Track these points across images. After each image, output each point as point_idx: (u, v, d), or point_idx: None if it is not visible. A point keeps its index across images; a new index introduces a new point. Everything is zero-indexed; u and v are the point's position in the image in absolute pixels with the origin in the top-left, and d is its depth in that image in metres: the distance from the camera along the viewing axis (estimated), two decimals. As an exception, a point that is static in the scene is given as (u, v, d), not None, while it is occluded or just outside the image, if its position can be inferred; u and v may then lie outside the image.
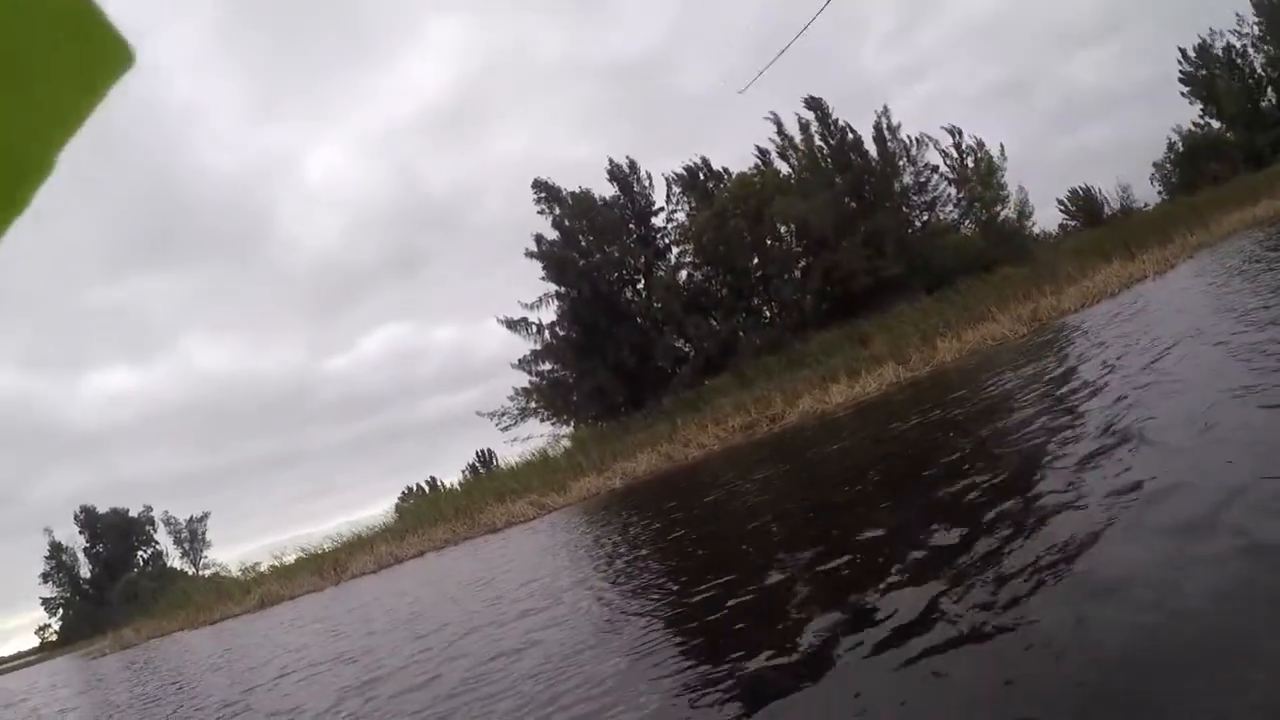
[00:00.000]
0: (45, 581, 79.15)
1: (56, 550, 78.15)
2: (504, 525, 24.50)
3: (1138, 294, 17.41)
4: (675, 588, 7.24)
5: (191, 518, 79.87)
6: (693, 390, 31.79)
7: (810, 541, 6.91)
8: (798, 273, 36.10)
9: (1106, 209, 47.82)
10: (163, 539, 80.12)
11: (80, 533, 77.70)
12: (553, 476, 27.62)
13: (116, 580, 69.47)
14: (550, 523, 20.56)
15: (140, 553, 78.46)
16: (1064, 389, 9.13)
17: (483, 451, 51.24)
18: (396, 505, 46.84)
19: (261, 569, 37.73)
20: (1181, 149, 49.89)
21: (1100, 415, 6.82)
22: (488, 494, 29.05)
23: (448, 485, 45.34)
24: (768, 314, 36.72)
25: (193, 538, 79.41)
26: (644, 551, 10.43)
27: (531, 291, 39.99)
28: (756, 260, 36.51)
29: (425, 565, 22.38)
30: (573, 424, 38.14)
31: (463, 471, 49.18)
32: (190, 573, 69.26)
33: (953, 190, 38.04)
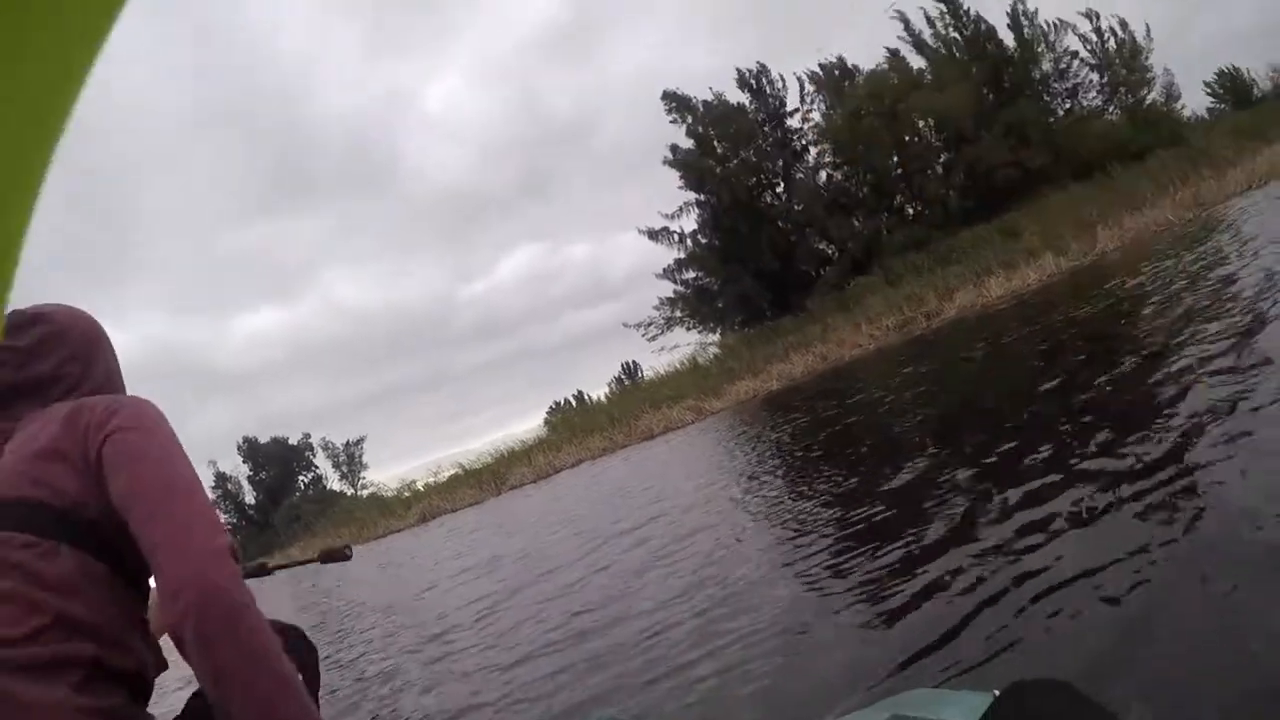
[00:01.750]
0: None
1: (222, 480, 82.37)
2: (661, 431, 25.45)
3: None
4: (832, 486, 7.32)
5: (348, 441, 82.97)
6: (839, 291, 32.22)
7: (979, 441, 6.80)
8: (939, 168, 35.77)
9: (1256, 91, 45.32)
10: (322, 463, 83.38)
11: (243, 462, 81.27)
12: (706, 382, 28.49)
13: (279, 505, 73.31)
14: (709, 426, 21.27)
15: (301, 477, 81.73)
16: (1242, 278, 8.51)
17: (628, 363, 52.63)
18: (545, 420, 48.41)
19: (417, 486, 38.94)
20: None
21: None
22: (643, 402, 30.07)
23: (594, 398, 46.82)
24: (910, 212, 36.57)
25: (350, 460, 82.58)
26: (805, 451, 10.58)
27: (668, 202, 40.51)
28: (896, 158, 36.30)
29: (584, 473, 23.08)
30: (719, 331, 39.00)
31: (609, 384, 50.48)
32: (350, 494, 72.02)
33: (1095, 76, 36.81)
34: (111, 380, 1.56)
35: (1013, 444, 6.04)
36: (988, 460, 5.91)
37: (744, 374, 26.32)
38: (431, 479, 37.82)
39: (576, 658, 4.94)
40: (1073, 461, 4.98)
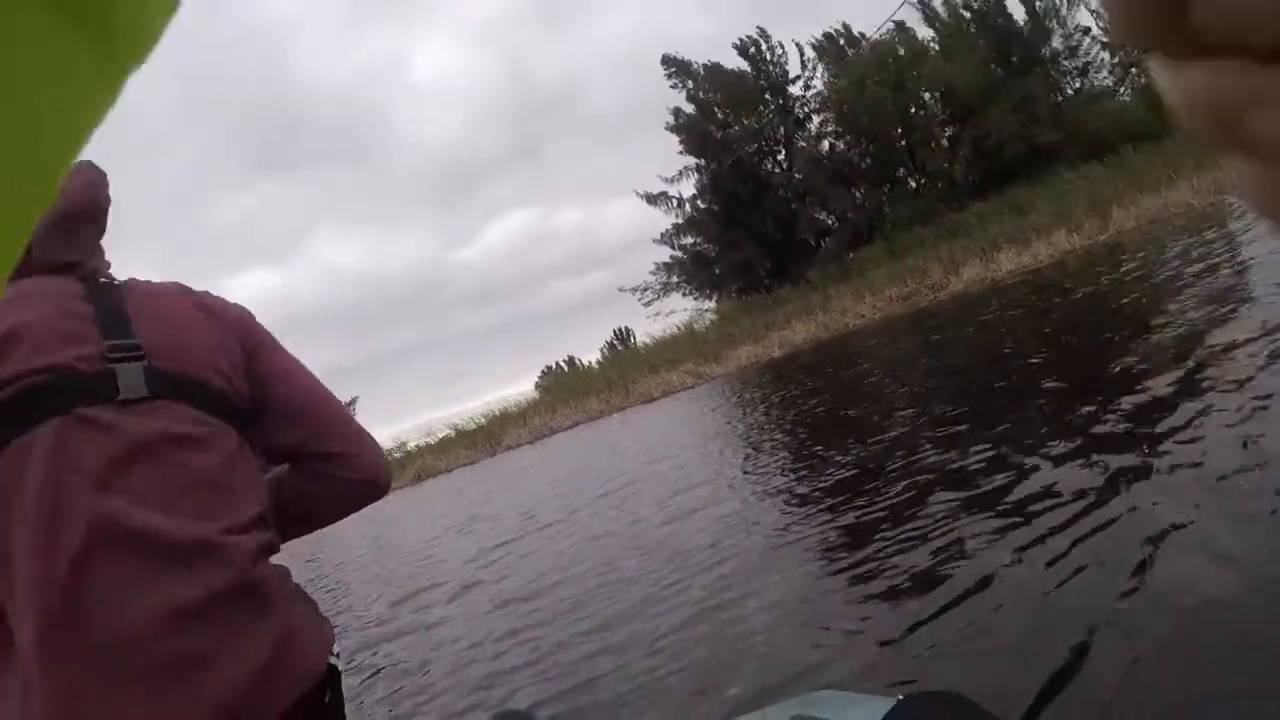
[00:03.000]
0: None
1: None
2: (660, 395, 25.26)
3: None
4: (827, 449, 7.42)
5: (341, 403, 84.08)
6: (840, 262, 31.95)
7: (971, 410, 6.88)
8: (945, 141, 35.34)
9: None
10: None
11: None
12: (704, 348, 28.28)
13: None
14: (709, 391, 21.07)
15: None
16: (1258, 262, 8.30)
17: (620, 329, 52.13)
18: (536, 384, 48.20)
19: (409, 447, 38.75)
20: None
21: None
22: (640, 366, 29.86)
23: (586, 363, 46.56)
24: (914, 185, 36.22)
25: None
26: (802, 418, 10.57)
27: (660, 169, 40.18)
28: (900, 130, 35.86)
29: (580, 435, 23.10)
30: (715, 298, 38.76)
31: (601, 349, 50.13)
32: None
33: (1106, 55, 36.37)
34: None
35: (1018, 416, 6.05)
36: (986, 431, 5.90)
37: (745, 340, 26.07)
38: (426, 439, 37.69)
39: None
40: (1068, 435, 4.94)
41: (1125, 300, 9.79)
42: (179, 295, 1.36)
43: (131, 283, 1.34)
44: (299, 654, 1.21)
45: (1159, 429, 4.43)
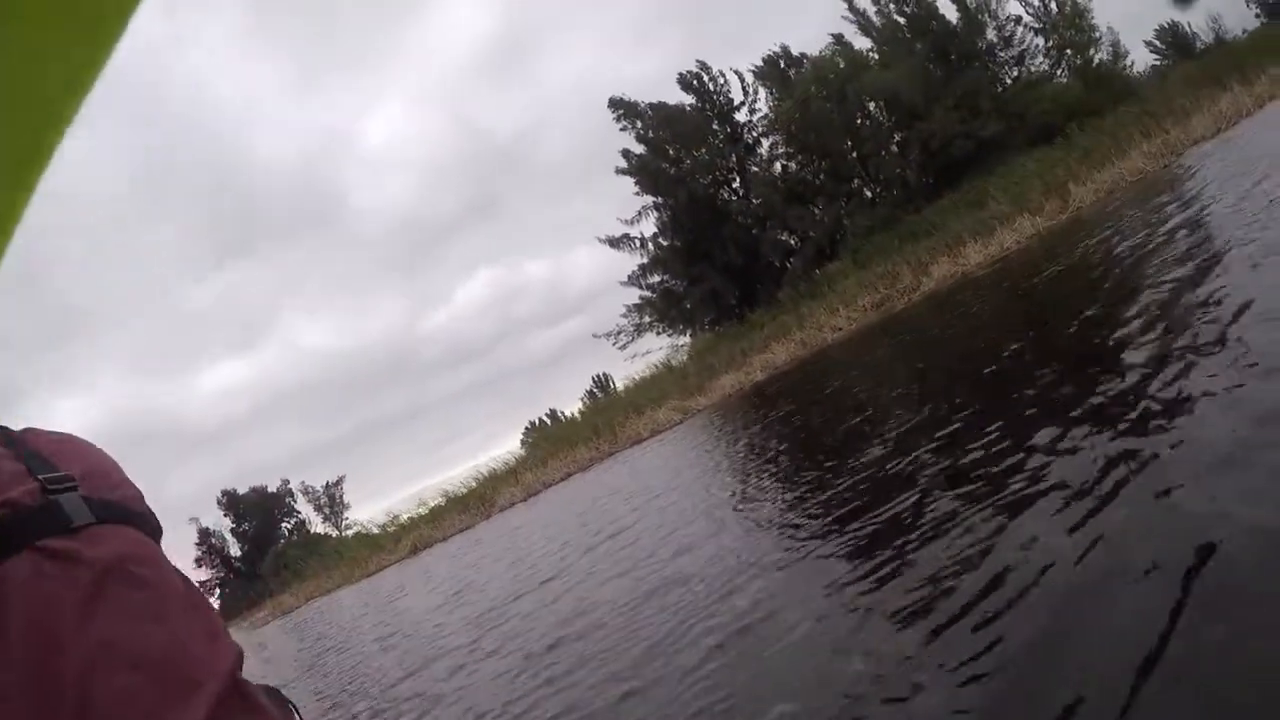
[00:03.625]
0: (199, 566, 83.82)
1: (205, 535, 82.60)
2: (649, 435, 24.98)
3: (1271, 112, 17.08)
4: (820, 466, 7.51)
5: (328, 483, 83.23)
6: (808, 280, 32.00)
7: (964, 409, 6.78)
8: (894, 147, 35.63)
9: (1199, 43, 45.80)
10: (303, 507, 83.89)
11: (224, 515, 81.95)
12: (685, 382, 28.07)
13: (265, 554, 72.89)
14: (696, 425, 20.88)
15: (284, 524, 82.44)
16: (1225, 213, 8.45)
17: (599, 376, 52.08)
18: (522, 441, 47.98)
19: (401, 520, 38.54)
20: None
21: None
22: (625, 409, 29.54)
23: (568, 414, 46.35)
24: (869, 194, 36.44)
25: (331, 502, 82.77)
26: (791, 436, 10.63)
27: (622, 210, 40.27)
28: (849, 142, 36.11)
29: (575, 486, 22.66)
30: (688, 332, 38.73)
31: (581, 399, 50.00)
32: (334, 535, 72.09)
33: (1040, 40, 36.90)
34: None
35: (1011, 404, 5.99)
36: (982, 425, 5.79)
37: (726, 369, 25.92)
38: (418, 510, 37.33)
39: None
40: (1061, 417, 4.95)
41: (1097, 273, 9.79)
42: (75, 437, 1.29)
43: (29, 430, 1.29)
44: None
45: (1152, 401, 4.47)
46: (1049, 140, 28.28)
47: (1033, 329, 8.66)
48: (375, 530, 41.06)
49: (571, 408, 48.17)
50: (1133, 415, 4.44)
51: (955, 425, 6.22)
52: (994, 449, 5.11)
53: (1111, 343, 6.09)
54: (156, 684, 1.00)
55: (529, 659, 5.80)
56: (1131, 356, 5.45)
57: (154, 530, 1.20)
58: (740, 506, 7.65)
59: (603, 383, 50.53)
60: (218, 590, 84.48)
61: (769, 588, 4.77)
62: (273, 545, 74.69)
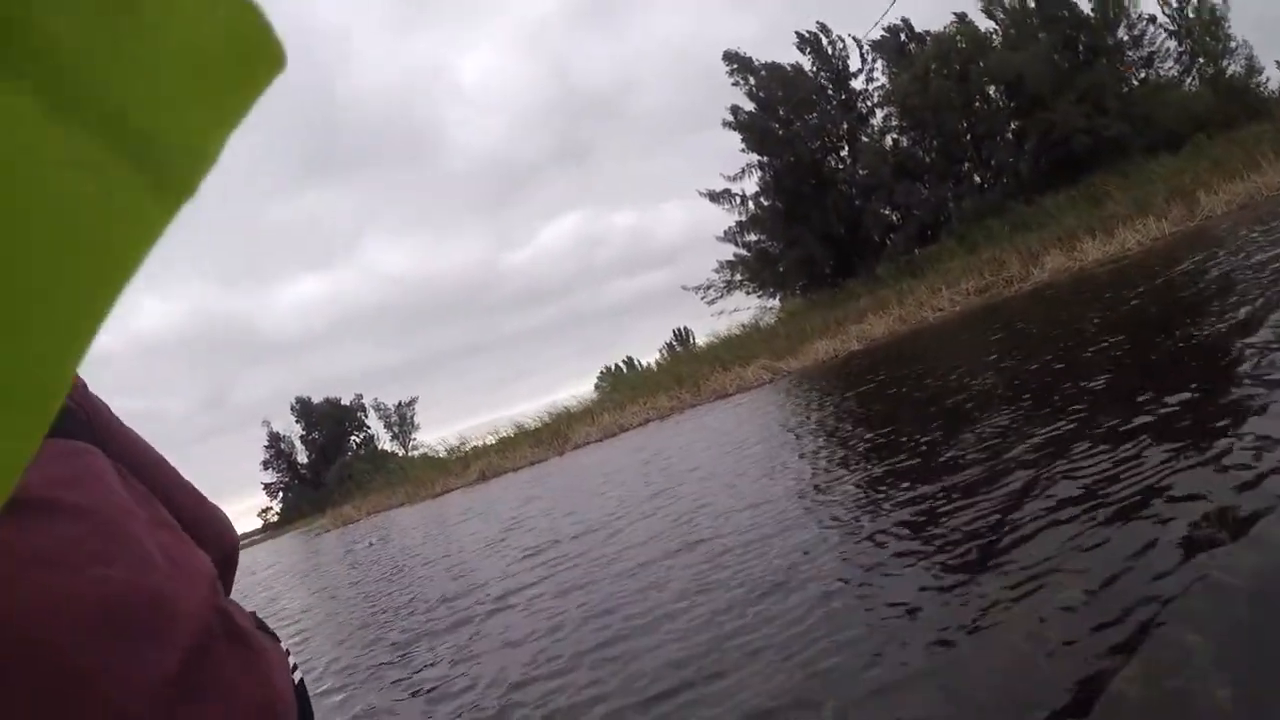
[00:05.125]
0: (265, 468, 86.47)
1: (275, 439, 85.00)
2: (735, 391, 25.13)
3: None
4: (912, 437, 7.69)
5: (400, 403, 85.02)
6: (909, 256, 31.97)
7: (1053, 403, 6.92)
8: (1010, 134, 35.23)
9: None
10: (373, 424, 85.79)
11: (296, 422, 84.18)
12: (774, 344, 28.24)
13: (331, 464, 74.52)
14: (786, 386, 20.95)
15: (353, 437, 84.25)
16: None
17: (679, 330, 52.59)
18: (596, 385, 48.54)
19: (468, 447, 38.89)
20: None
21: None
22: (710, 363, 29.73)
23: (645, 364, 46.74)
24: (978, 179, 36.12)
25: (402, 421, 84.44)
26: (888, 407, 10.64)
27: (722, 167, 40.22)
28: (965, 123, 35.77)
29: (653, 431, 22.77)
30: (779, 295, 38.89)
31: (660, 350, 50.41)
32: (401, 454, 73.08)
33: (1173, 43, 36.09)
34: None
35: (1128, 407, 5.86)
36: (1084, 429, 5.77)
37: (820, 335, 26.07)
38: (489, 439, 37.82)
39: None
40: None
41: (1234, 282, 9.47)
42: None
43: None
44: None
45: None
46: (1174, 147, 27.86)
47: (1152, 336, 8.39)
48: (441, 454, 41.44)
49: (649, 358, 48.64)
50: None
51: (1060, 424, 6.22)
52: (1096, 459, 5.10)
53: (1243, 359, 5.99)
54: (113, 635, 0.88)
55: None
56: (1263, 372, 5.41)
57: (99, 431, 1.07)
58: (827, 471, 7.82)
59: (683, 336, 50.93)
60: (280, 493, 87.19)
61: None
62: (340, 456, 76.29)
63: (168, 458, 1.23)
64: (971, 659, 3.27)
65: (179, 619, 0.92)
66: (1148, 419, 5.44)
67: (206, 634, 0.94)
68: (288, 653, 1.19)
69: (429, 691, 5.45)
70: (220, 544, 1.19)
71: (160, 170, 0.21)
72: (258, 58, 0.23)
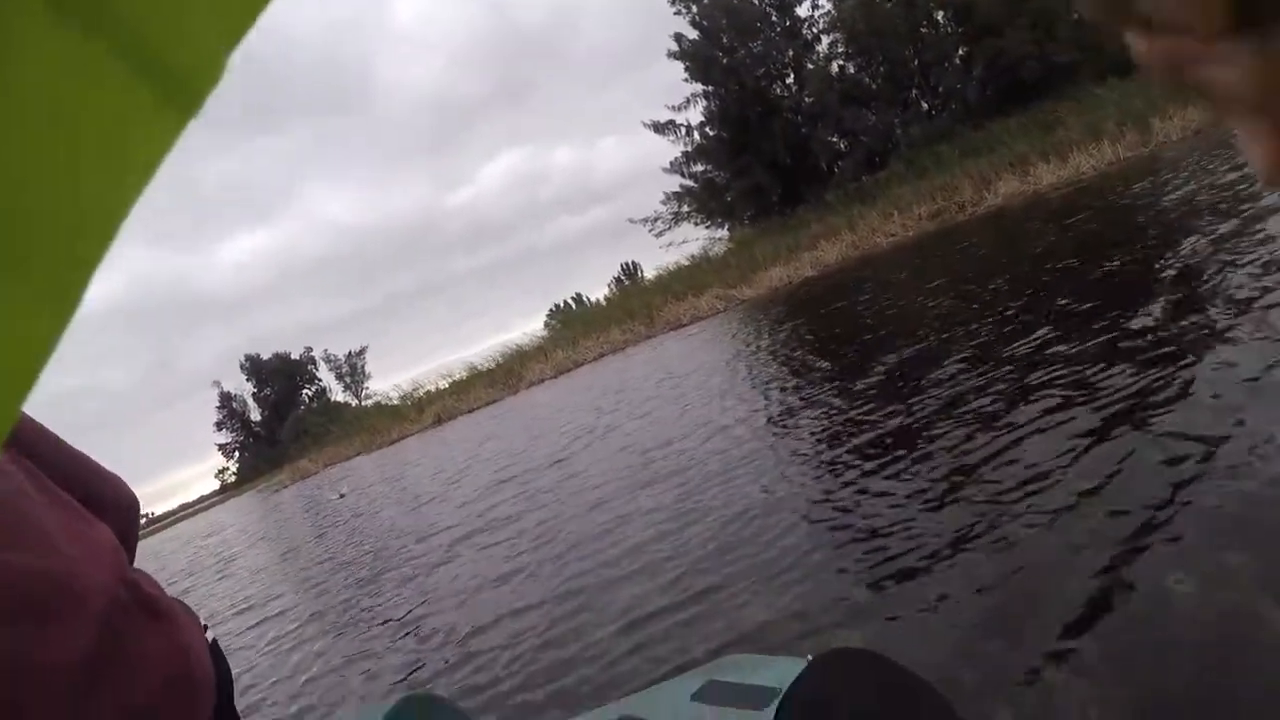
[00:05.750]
0: (219, 429, 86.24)
1: (226, 399, 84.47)
2: (689, 321, 25.03)
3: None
4: (874, 358, 7.69)
5: (350, 353, 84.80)
6: (856, 184, 31.77)
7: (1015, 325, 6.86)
8: (958, 60, 34.92)
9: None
10: (325, 376, 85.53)
11: (247, 380, 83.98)
12: (727, 272, 28.05)
13: (285, 420, 73.85)
14: (741, 314, 20.86)
15: (305, 391, 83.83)
16: None
17: (627, 264, 52.17)
18: (546, 322, 48.32)
19: (421, 393, 38.93)
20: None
21: None
22: (665, 294, 29.54)
23: (594, 299, 46.46)
24: (926, 105, 35.87)
25: (353, 371, 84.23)
26: (850, 331, 10.52)
27: (665, 100, 39.38)
28: (912, 49, 35.37)
29: (608, 365, 22.84)
30: (728, 226, 38.56)
31: (609, 284, 50.09)
32: (354, 404, 73.02)
33: (1127, -33, 35.78)
34: None
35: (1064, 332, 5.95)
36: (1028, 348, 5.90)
37: (773, 263, 25.88)
38: (442, 383, 37.56)
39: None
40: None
41: (1193, 206, 9.34)
42: None
43: None
44: None
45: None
46: (1125, 74, 27.71)
47: (1110, 257, 8.18)
48: (395, 401, 41.24)
49: (598, 293, 48.36)
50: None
51: (1017, 346, 6.19)
52: (1060, 369, 5.17)
53: (1201, 278, 5.96)
54: (17, 621, 0.84)
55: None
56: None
57: None
58: (785, 398, 7.71)
59: (630, 270, 50.55)
60: (236, 453, 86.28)
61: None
62: (293, 411, 75.76)
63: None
64: (951, 579, 3.20)
65: (86, 597, 0.89)
66: (1107, 338, 5.44)
67: (115, 609, 0.93)
68: (199, 618, 1.16)
69: (404, 635, 5.29)
70: (120, 513, 1.15)
71: (174, 87, 0.21)
72: None
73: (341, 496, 17.82)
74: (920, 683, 0.93)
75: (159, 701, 0.95)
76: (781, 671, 2.09)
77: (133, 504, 1.21)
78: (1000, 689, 2.38)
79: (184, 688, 0.99)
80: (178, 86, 0.22)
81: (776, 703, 1.87)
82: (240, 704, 4.87)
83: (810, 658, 1.95)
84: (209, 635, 1.15)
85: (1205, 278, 5.88)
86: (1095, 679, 2.25)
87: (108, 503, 1.12)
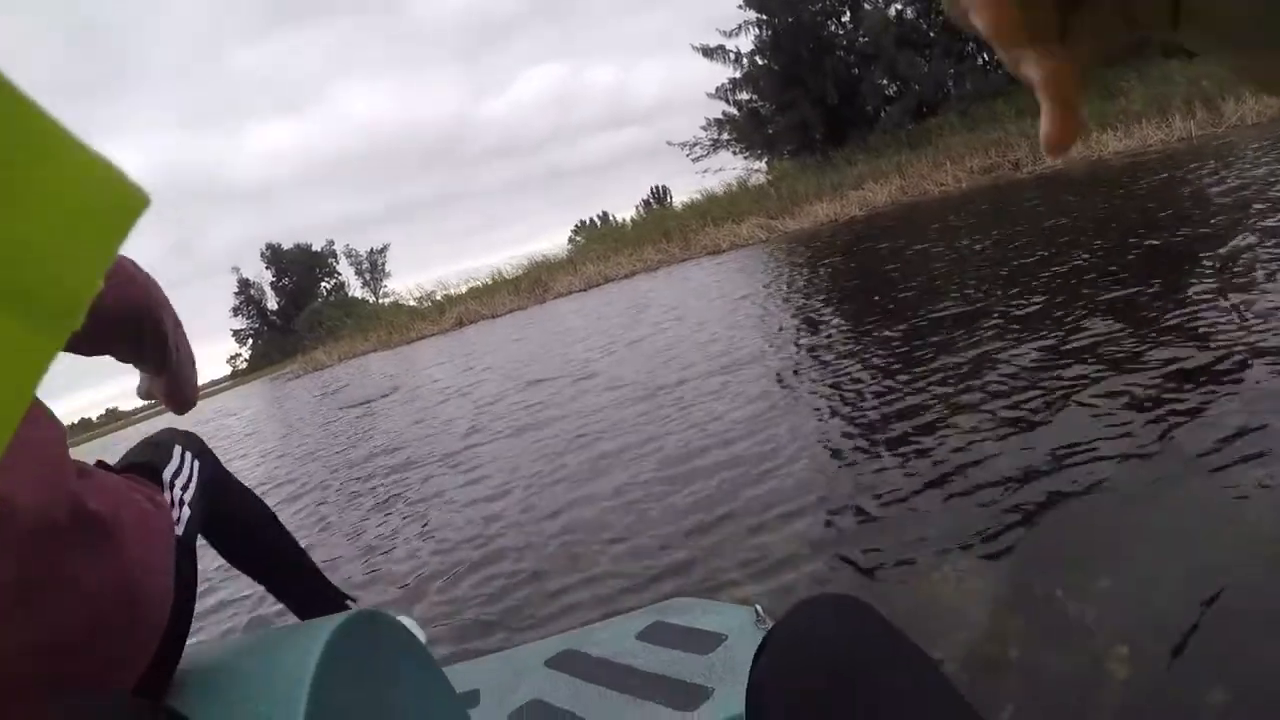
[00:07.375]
0: (235, 315, 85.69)
1: (244, 286, 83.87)
2: (728, 248, 25.06)
3: None
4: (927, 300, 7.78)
5: (372, 249, 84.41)
6: (903, 130, 31.58)
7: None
8: (1023, 16, 34.30)
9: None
10: (344, 270, 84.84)
11: (267, 268, 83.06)
12: (767, 203, 28.00)
13: (302, 310, 73.63)
14: (784, 245, 20.79)
15: (324, 284, 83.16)
16: None
17: (657, 187, 51.82)
18: (570, 238, 48.04)
19: (441, 294, 38.62)
20: None
21: None
22: (702, 218, 29.46)
23: (621, 220, 46.20)
24: (982, 60, 35.43)
25: (373, 268, 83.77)
26: (908, 271, 10.49)
27: (707, 25, 38.64)
28: (975, -2, 34.65)
29: (639, 283, 22.82)
30: (766, 159, 38.29)
31: (636, 207, 49.81)
32: (371, 301, 72.66)
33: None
34: None
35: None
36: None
37: (819, 198, 25.84)
38: (462, 287, 37.30)
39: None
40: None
41: (1266, 186, 9.11)
42: None
43: None
44: None
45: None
46: (1194, 55, 27.32)
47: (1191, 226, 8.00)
48: (412, 303, 40.88)
49: (625, 214, 48.02)
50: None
51: (1070, 305, 6.15)
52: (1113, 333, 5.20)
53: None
54: None
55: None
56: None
57: None
58: (822, 330, 7.73)
59: (660, 195, 50.30)
60: (250, 340, 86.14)
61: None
62: (311, 303, 75.46)
63: None
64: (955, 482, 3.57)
65: (14, 516, 0.84)
66: (1153, 307, 5.50)
67: (45, 528, 0.88)
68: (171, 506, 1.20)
69: (420, 535, 5.39)
70: None
71: (43, 317, 0.21)
72: (124, 207, 0.25)
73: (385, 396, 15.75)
74: (906, 640, 0.90)
75: (92, 625, 0.92)
76: (727, 618, 2.19)
77: None
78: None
79: (122, 612, 0.97)
80: (48, 318, 0.22)
81: (721, 648, 2.00)
82: (218, 598, 5.08)
83: (758, 607, 2.10)
84: (179, 528, 1.17)
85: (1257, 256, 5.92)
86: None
87: None
